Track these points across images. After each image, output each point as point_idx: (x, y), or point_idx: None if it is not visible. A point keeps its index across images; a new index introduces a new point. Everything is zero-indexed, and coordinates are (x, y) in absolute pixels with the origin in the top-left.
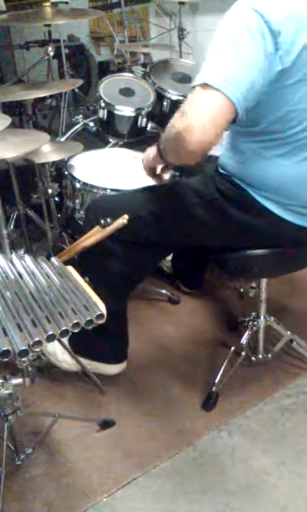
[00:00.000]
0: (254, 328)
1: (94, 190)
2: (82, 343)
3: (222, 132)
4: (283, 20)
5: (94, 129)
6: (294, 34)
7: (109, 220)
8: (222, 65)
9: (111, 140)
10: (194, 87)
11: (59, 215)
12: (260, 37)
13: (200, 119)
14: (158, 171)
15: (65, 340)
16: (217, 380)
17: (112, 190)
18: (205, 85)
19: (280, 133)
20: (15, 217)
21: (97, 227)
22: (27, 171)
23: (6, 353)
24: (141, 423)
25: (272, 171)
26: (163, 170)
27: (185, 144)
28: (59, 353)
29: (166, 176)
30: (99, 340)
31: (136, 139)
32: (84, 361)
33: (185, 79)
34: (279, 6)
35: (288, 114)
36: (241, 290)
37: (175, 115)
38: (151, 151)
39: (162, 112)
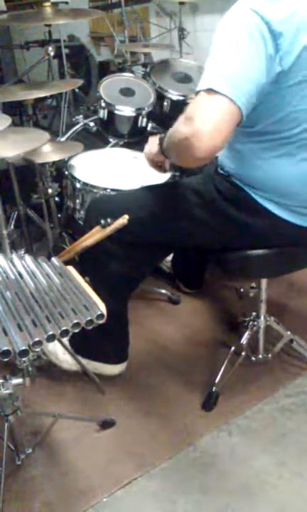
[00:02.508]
0: (254, 328)
1: (94, 190)
2: (83, 343)
3: (229, 136)
4: (283, 22)
5: (94, 129)
6: (294, 35)
7: (109, 220)
8: (225, 69)
9: (111, 140)
10: (198, 92)
11: (59, 215)
12: (260, 39)
13: (207, 125)
14: (159, 162)
15: (66, 340)
16: (217, 380)
17: (112, 190)
18: (209, 90)
19: (279, 133)
20: (15, 217)
21: (97, 227)
22: (27, 171)
23: (6, 353)
24: (141, 423)
25: (271, 171)
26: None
27: (193, 150)
28: (59, 353)
29: (167, 165)
30: (100, 341)
31: (137, 139)
32: (85, 361)
33: (186, 79)
34: (279, 7)
35: (288, 115)
36: (241, 290)
37: (179, 120)
38: (152, 147)
39: (162, 111)
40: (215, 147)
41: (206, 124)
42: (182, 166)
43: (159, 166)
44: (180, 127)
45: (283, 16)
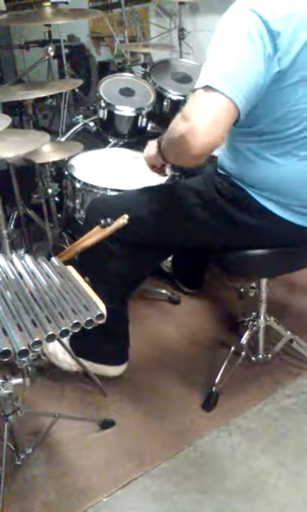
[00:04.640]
0: (254, 328)
1: (94, 190)
2: (83, 344)
3: (225, 134)
4: (282, 21)
5: (94, 129)
6: (292, 35)
7: (109, 220)
8: (223, 67)
9: (111, 140)
10: (195, 90)
11: (59, 215)
12: (259, 38)
13: (204, 122)
14: (159, 165)
15: (66, 341)
16: (217, 380)
17: (112, 190)
18: (206, 87)
19: (279, 133)
20: (15, 217)
21: (97, 227)
22: (27, 171)
23: (6, 353)
24: (141, 423)
25: (271, 171)
26: (164, 165)
27: (189, 147)
28: (59, 353)
29: (168, 170)
30: (100, 342)
31: (136, 139)
32: (85, 363)
33: (186, 79)
34: (277, 7)
35: (287, 115)
36: (241, 290)
37: (176, 117)
38: (151, 149)
39: (162, 111)
40: (212, 144)
41: (203, 121)
42: (182, 166)
43: (159, 170)
44: (177, 125)
45: (281, 16)
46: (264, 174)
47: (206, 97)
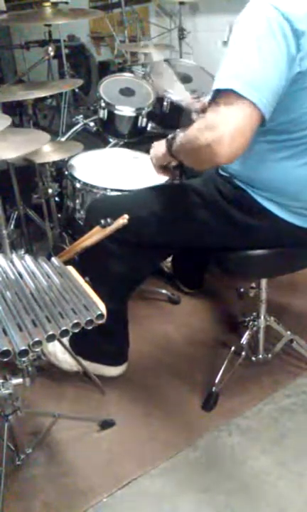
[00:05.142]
0: (254, 328)
1: (94, 190)
2: (83, 345)
3: (250, 140)
4: (305, 20)
5: (94, 129)
6: None
7: (109, 220)
8: (246, 69)
9: (111, 140)
10: (217, 93)
11: (59, 215)
12: (282, 37)
13: (229, 130)
14: (167, 163)
15: (66, 341)
16: (217, 380)
17: (112, 190)
18: (229, 92)
19: (288, 134)
20: (15, 217)
21: (97, 227)
22: (27, 171)
23: (6, 353)
24: (141, 423)
25: (278, 172)
26: (172, 165)
27: (216, 156)
28: (59, 353)
29: (176, 172)
30: (100, 342)
31: (136, 139)
32: (85, 363)
33: (186, 79)
34: (300, 5)
35: (301, 117)
36: (242, 290)
37: (198, 126)
38: (159, 149)
39: (162, 111)
40: (238, 152)
41: (229, 130)
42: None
43: (167, 171)
44: (201, 134)
45: (303, 14)
46: (271, 176)
47: (230, 103)
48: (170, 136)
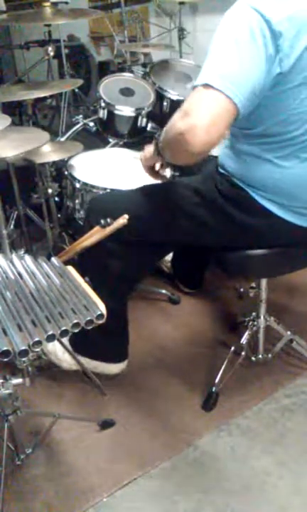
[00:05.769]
0: (254, 328)
1: (94, 190)
2: (83, 342)
3: (224, 133)
4: (284, 22)
5: (94, 129)
6: (294, 37)
7: (109, 220)
8: (224, 66)
9: (111, 140)
10: (195, 87)
11: (59, 215)
12: (261, 38)
13: (203, 121)
14: (157, 168)
15: (65, 339)
16: (217, 380)
17: (112, 190)
18: (206, 86)
19: (281, 135)
20: (15, 217)
21: (97, 227)
22: (27, 171)
23: (6, 353)
24: (141, 423)
25: (273, 172)
26: (162, 167)
27: (188, 146)
28: (59, 352)
29: (167, 174)
30: (100, 340)
31: (136, 139)
32: (84, 360)
33: (185, 79)
34: (280, 7)
35: (289, 118)
36: (241, 290)
37: (175, 116)
38: (148, 150)
39: (162, 111)
40: (210, 143)
41: (202, 119)
42: (179, 165)
43: (156, 173)
44: (176, 122)
45: (284, 16)
46: (266, 175)
47: (205, 95)
48: (157, 134)
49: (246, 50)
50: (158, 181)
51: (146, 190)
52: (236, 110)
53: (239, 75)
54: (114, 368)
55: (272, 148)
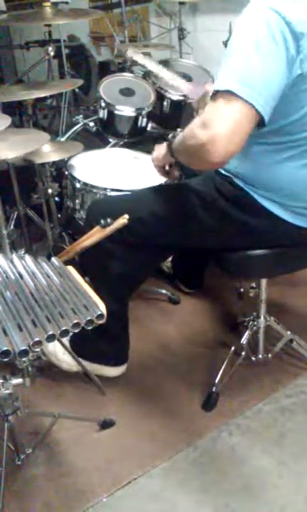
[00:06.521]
0: (254, 328)
1: (94, 190)
2: (83, 345)
3: (245, 140)
4: (305, 22)
5: (94, 129)
6: None
7: (109, 220)
8: (245, 71)
9: (111, 140)
10: (215, 94)
11: (59, 215)
12: (282, 40)
13: (225, 131)
14: (167, 167)
15: (66, 341)
16: (217, 380)
17: (112, 190)
18: (227, 93)
19: (289, 136)
20: (15, 217)
21: (97, 227)
22: (27, 171)
23: (6, 353)
24: (141, 423)
25: (280, 173)
26: (171, 167)
27: (210, 156)
28: (59, 353)
29: (176, 173)
30: (100, 343)
31: (136, 139)
32: (85, 363)
33: (186, 79)
34: (300, 7)
35: (302, 118)
36: (241, 290)
37: (195, 124)
38: (160, 151)
39: (162, 111)
40: (232, 152)
41: (224, 130)
42: (181, 167)
43: (167, 173)
44: (197, 133)
45: (304, 17)
46: (273, 176)
47: (227, 104)
48: (170, 135)
49: (267, 54)
50: (167, 179)
51: (146, 192)
52: (258, 117)
53: (261, 81)
54: (114, 371)
55: (278, 149)
